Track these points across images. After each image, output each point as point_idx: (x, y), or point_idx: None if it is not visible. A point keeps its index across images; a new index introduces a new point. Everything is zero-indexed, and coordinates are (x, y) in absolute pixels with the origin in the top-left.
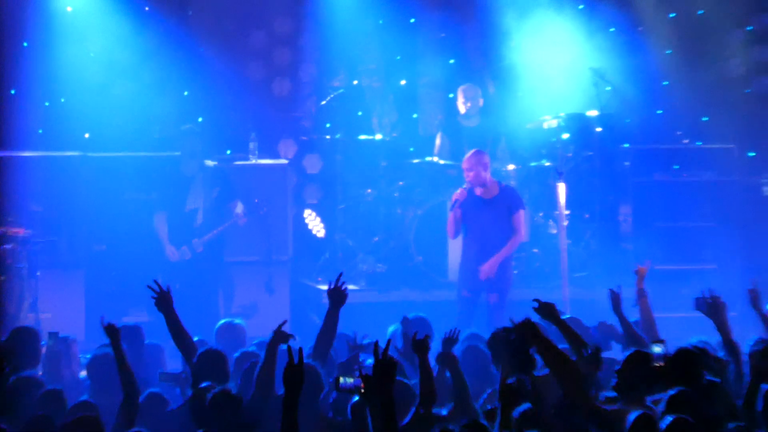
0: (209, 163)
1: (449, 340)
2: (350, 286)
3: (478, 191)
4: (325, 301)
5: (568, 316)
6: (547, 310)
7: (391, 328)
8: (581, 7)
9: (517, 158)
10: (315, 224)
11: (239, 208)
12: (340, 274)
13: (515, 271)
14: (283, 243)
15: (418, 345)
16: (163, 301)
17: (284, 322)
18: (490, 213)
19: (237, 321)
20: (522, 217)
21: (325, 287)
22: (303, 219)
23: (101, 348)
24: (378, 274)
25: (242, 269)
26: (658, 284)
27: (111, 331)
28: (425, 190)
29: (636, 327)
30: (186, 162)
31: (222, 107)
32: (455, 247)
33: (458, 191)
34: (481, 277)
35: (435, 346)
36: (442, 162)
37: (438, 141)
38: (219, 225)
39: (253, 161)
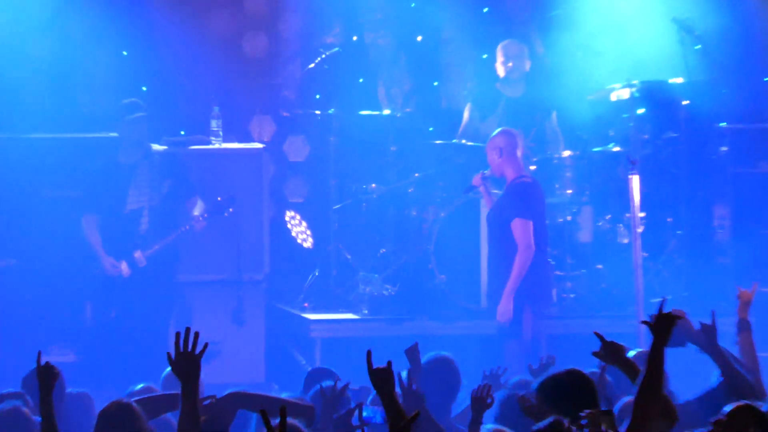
0: (157, 147)
1: (479, 401)
2: (347, 315)
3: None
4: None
5: (635, 351)
6: (612, 353)
7: (404, 374)
8: None
9: (575, 141)
10: (300, 231)
11: (198, 208)
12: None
13: (571, 295)
14: (256, 256)
15: (376, 376)
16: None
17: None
18: (490, 215)
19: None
20: (517, 228)
21: (314, 316)
22: (284, 223)
23: (7, 400)
24: (386, 298)
25: (201, 292)
26: (764, 314)
27: (47, 374)
28: (450, 184)
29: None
30: (126, 148)
31: (174, 72)
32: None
33: (477, 175)
34: (498, 319)
35: (464, 399)
36: (471, 144)
37: (466, 116)
38: (170, 231)
39: (216, 145)
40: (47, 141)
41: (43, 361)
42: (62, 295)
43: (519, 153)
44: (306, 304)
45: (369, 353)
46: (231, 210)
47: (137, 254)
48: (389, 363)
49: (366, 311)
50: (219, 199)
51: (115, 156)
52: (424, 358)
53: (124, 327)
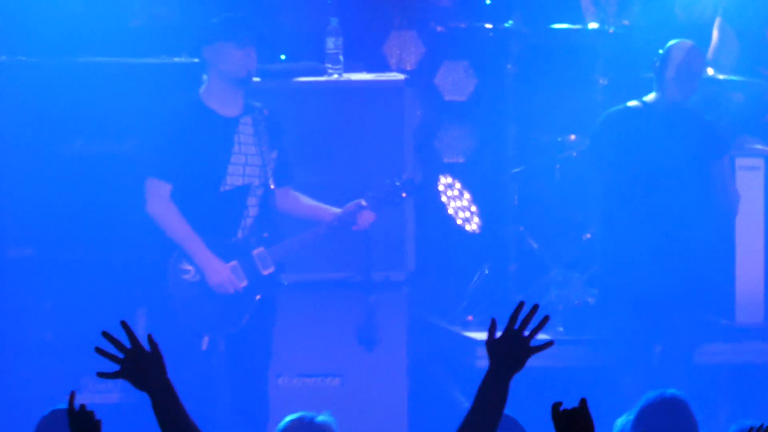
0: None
1: None
2: (537, 335)
3: None
4: (482, 362)
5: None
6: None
7: (619, 421)
8: None
9: None
10: (461, 206)
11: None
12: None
13: None
14: (395, 245)
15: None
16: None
17: None
18: None
19: (320, 418)
20: None
21: (483, 336)
22: (437, 195)
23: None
24: (591, 310)
25: (310, 298)
26: None
27: (81, 424)
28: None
29: None
30: (225, 92)
31: None
32: (746, 254)
33: None
34: None
35: None
36: (723, 78)
37: (716, 35)
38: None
39: (335, 76)
40: (84, 67)
41: (77, 403)
42: (104, 303)
43: (670, 74)
44: (470, 318)
45: (583, 402)
46: (404, 195)
47: (258, 253)
48: (583, 399)
49: (561, 329)
50: (397, 183)
51: (199, 103)
52: (644, 400)
53: (213, 362)
